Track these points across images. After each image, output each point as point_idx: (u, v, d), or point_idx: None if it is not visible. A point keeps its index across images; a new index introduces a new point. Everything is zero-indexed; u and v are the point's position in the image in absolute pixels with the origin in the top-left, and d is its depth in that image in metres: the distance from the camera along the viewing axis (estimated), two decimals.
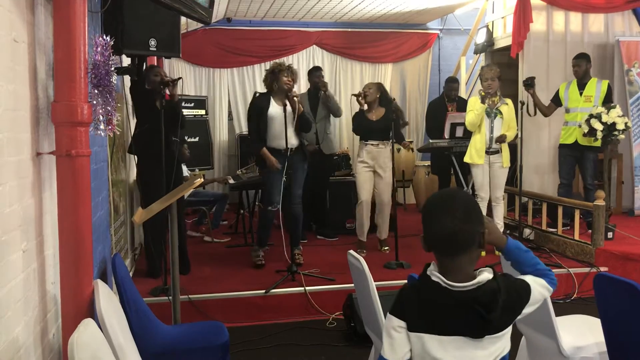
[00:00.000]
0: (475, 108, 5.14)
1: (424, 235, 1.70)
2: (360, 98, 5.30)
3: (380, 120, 5.29)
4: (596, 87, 5.80)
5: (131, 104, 4.70)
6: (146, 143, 4.39)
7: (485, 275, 1.63)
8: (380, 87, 5.46)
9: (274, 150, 4.90)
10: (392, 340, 1.65)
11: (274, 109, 4.91)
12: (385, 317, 2.68)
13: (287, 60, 8.42)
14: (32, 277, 2.13)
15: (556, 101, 6.02)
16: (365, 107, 5.37)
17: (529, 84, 5.77)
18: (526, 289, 1.70)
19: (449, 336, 1.61)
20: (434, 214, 1.66)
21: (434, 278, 1.64)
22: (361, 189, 5.35)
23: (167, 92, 4.42)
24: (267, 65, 8.11)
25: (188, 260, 4.88)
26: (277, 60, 5.24)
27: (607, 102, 5.71)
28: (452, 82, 6.77)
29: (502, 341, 1.64)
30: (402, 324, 1.65)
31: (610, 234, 5.26)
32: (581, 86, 5.86)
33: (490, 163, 5.22)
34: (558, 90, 6.05)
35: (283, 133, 4.80)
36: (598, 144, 5.57)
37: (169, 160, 4.37)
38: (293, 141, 4.89)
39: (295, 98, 4.79)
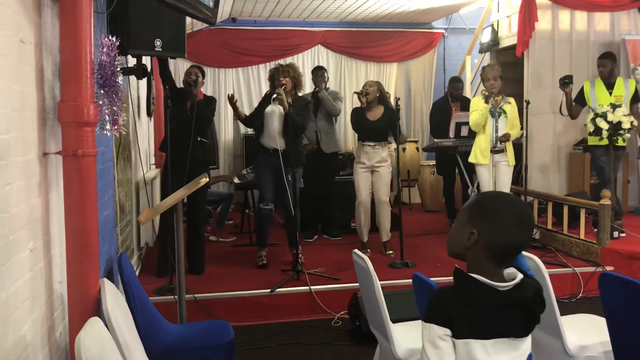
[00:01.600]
0: (478, 108, 5.13)
1: (484, 241, 1.60)
2: (362, 96, 5.28)
3: (378, 120, 5.26)
4: (625, 87, 5.72)
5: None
6: (173, 142, 4.48)
7: (518, 275, 1.61)
8: (380, 85, 5.42)
9: (263, 148, 4.99)
10: (440, 351, 1.56)
11: (270, 107, 4.99)
12: (390, 317, 2.71)
13: (292, 59, 8.44)
14: (39, 276, 2.15)
15: (581, 101, 5.85)
16: (365, 105, 5.34)
17: (567, 82, 5.61)
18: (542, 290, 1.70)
19: (491, 339, 1.57)
20: (509, 225, 1.59)
21: (480, 280, 1.58)
22: (359, 190, 5.36)
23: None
24: (273, 64, 8.14)
25: (202, 261, 4.90)
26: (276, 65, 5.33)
27: (635, 101, 5.66)
28: (457, 81, 6.75)
29: (528, 340, 1.64)
30: (448, 331, 1.57)
31: (616, 234, 5.24)
32: (609, 86, 5.74)
33: (495, 162, 5.21)
34: (582, 90, 5.89)
35: (273, 132, 4.91)
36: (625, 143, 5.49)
37: (194, 161, 4.49)
38: (280, 143, 4.88)
39: (279, 96, 4.76)
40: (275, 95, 4.82)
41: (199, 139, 4.70)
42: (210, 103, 4.92)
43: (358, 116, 5.36)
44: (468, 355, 1.57)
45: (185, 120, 4.59)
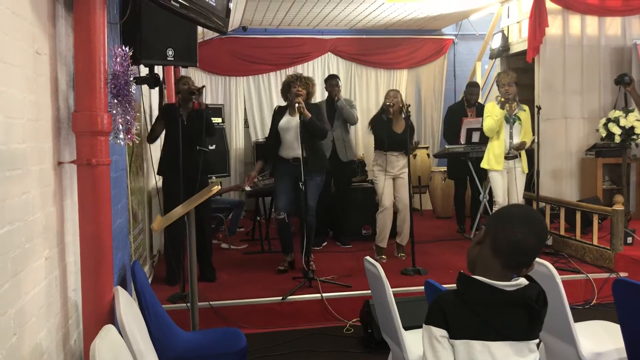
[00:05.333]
0: (494, 114, 5.10)
1: (490, 235, 1.65)
2: (391, 108, 5.29)
3: (404, 132, 5.27)
4: None
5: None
6: (171, 156, 4.46)
7: (523, 279, 1.65)
8: (400, 95, 5.47)
9: (282, 159, 4.98)
10: (437, 352, 1.61)
11: (286, 119, 4.98)
12: (402, 324, 2.70)
13: (303, 67, 8.48)
14: (54, 284, 2.17)
15: None
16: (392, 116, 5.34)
17: (619, 81, 5.46)
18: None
19: (496, 342, 1.60)
20: (514, 221, 1.64)
21: (482, 281, 1.62)
22: (384, 196, 5.36)
23: (195, 101, 4.51)
24: (283, 72, 8.20)
25: (213, 268, 4.91)
26: (292, 73, 5.32)
27: None
28: (473, 86, 6.74)
29: (535, 350, 1.65)
30: (444, 333, 1.61)
31: (629, 239, 5.18)
32: None
33: (509, 169, 5.18)
34: None
35: (293, 143, 4.89)
36: None
37: (193, 170, 4.43)
38: (299, 152, 4.77)
39: (297, 105, 4.74)
40: (297, 105, 4.74)
41: (198, 148, 4.62)
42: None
43: (384, 127, 5.35)
44: (468, 356, 1.60)
45: (184, 131, 4.42)
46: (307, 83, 4.98)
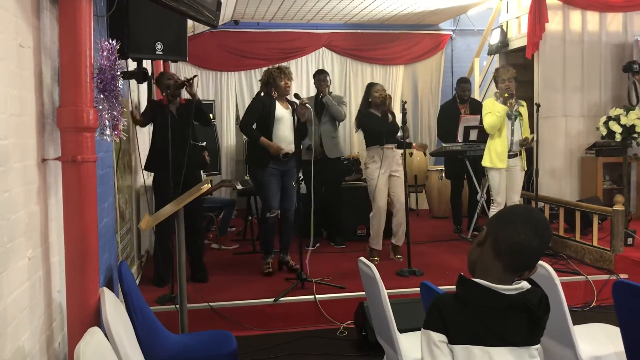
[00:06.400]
0: (496, 110, 5.02)
1: (492, 236, 1.61)
2: (379, 100, 5.19)
3: (393, 122, 5.23)
4: None
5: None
6: (160, 153, 4.38)
7: (525, 283, 1.62)
8: None
9: (272, 156, 4.84)
10: (436, 358, 1.57)
11: (281, 111, 4.88)
12: (397, 326, 2.64)
13: (296, 62, 8.39)
14: (37, 285, 2.13)
15: None
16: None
17: (635, 69, 5.37)
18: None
19: (496, 347, 1.56)
20: (516, 222, 1.59)
21: (483, 284, 1.58)
22: (379, 194, 5.20)
23: (187, 93, 4.40)
24: None
25: (205, 268, 4.83)
26: (266, 69, 5.20)
27: None
28: (464, 82, 6.65)
29: (536, 355, 1.62)
30: (443, 337, 1.57)
31: (630, 240, 5.13)
32: None
33: (509, 166, 5.12)
34: None
35: (287, 137, 4.82)
36: None
37: (189, 165, 4.34)
38: (293, 146, 4.84)
39: (307, 105, 4.75)
40: (307, 105, 4.76)
41: (191, 142, 4.52)
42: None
43: (374, 120, 5.23)
44: None
45: (175, 126, 4.33)
46: (290, 75, 4.94)
